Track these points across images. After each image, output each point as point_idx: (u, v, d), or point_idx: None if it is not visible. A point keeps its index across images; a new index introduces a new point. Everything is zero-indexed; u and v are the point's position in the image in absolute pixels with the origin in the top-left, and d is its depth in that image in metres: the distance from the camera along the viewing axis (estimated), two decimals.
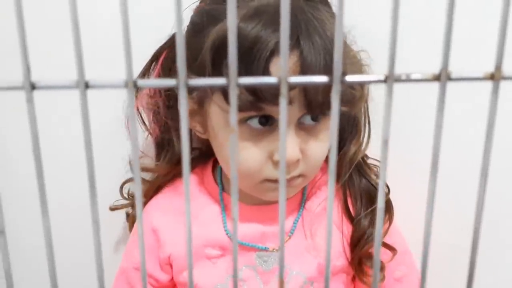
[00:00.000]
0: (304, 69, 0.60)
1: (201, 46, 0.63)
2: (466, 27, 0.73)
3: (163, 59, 0.76)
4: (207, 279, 0.75)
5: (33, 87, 0.21)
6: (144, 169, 0.83)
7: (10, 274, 0.25)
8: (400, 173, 0.77)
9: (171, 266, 0.77)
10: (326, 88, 0.62)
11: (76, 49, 0.21)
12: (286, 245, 0.75)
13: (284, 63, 0.26)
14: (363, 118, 0.76)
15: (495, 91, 0.28)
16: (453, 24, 0.26)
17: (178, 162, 0.79)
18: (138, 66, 0.78)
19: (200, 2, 0.71)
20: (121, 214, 0.86)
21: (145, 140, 0.84)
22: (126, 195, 0.84)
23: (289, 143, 0.63)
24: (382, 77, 0.27)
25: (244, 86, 0.56)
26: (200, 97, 0.68)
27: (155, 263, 0.77)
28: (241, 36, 0.58)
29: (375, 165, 0.79)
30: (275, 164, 0.65)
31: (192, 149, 0.82)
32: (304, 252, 0.75)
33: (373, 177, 0.76)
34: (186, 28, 0.71)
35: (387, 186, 0.76)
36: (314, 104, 0.62)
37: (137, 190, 0.26)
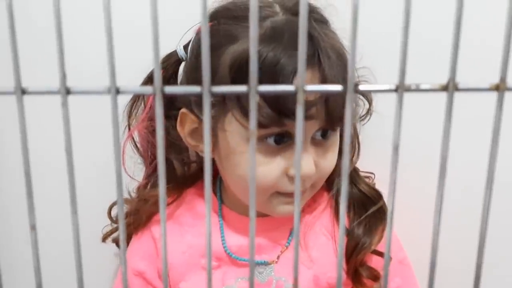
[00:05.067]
0: (324, 83, 0.62)
1: (217, 64, 0.63)
2: (475, 39, 0.74)
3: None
4: None
5: (68, 92, 0.23)
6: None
7: (39, 269, 0.26)
8: (407, 180, 0.78)
9: (169, 275, 0.77)
10: (344, 104, 0.65)
11: (109, 58, 0.23)
12: (282, 257, 0.75)
13: (301, 73, 0.27)
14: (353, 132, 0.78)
15: (500, 101, 0.29)
16: (461, 37, 0.28)
17: (183, 182, 0.79)
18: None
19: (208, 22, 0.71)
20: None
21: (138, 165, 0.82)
22: (114, 218, 0.83)
23: (306, 158, 0.65)
24: (393, 87, 0.29)
25: (264, 97, 0.58)
26: (213, 117, 0.67)
27: (155, 271, 0.78)
28: (261, 58, 0.60)
29: (368, 176, 0.80)
30: (290, 178, 0.66)
31: (191, 162, 0.82)
32: (300, 264, 0.75)
33: (365, 186, 0.77)
34: (193, 46, 0.71)
35: (380, 193, 0.77)
36: (333, 118, 0.64)
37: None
